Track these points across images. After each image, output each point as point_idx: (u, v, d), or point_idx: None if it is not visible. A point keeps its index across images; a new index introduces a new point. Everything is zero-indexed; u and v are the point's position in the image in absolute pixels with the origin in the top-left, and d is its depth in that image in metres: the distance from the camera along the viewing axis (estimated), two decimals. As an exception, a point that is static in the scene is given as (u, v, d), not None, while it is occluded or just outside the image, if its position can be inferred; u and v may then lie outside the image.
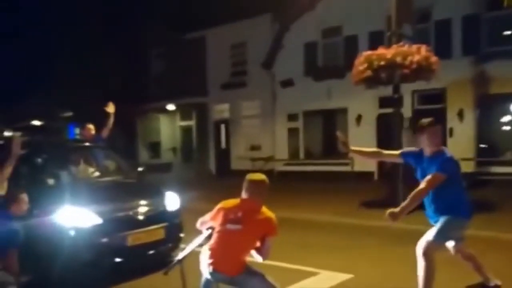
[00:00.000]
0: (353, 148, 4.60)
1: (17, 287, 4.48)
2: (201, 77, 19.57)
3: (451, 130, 13.53)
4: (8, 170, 4.91)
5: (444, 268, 4.14)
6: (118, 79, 20.24)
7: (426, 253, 3.98)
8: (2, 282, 4.38)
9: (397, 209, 3.90)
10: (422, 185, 4.02)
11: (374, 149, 5.00)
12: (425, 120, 4.22)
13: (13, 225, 4.57)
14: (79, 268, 5.05)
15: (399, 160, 4.63)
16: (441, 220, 4.10)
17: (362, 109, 15.27)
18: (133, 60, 20.87)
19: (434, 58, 9.10)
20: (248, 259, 3.69)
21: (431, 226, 4.24)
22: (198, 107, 19.89)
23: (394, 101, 9.63)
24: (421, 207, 4.23)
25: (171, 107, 20.10)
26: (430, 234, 4.08)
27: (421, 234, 4.25)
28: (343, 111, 15.91)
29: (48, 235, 5.08)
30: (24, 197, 4.77)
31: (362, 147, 4.86)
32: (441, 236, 4.07)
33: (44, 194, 5.44)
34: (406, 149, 4.58)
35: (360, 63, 9.26)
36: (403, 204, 3.97)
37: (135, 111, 20.89)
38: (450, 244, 4.29)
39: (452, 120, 13.60)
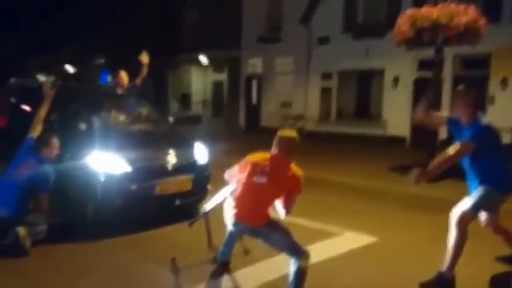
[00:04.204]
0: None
1: (47, 228, 4.62)
2: (235, 30, 19.20)
3: (492, 98, 12.96)
4: (43, 111, 5.03)
5: (473, 239, 4.02)
6: (151, 29, 20.09)
7: (460, 223, 3.86)
8: (33, 223, 4.53)
9: (420, 173, 3.80)
10: (450, 151, 3.88)
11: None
12: (459, 88, 4.10)
13: (44, 168, 4.67)
14: (106, 213, 5.15)
15: (443, 124, 4.46)
16: (478, 190, 3.95)
17: (399, 71, 14.74)
18: (167, 9, 20.60)
19: (482, 21, 8.58)
20: (272, 215, 3.67)
21: (460, 195, 4.09)
22: (231, 60, 19.65)
23: (435, 65, 9.21)
24: (451, 175, 4.08)
25: (203, 59, 19.93)
26: (465, 204, 3.95)
27: (449, 202, 4.12)
28: (380, 72, 15.41)
29: (78, 180, 5.17)
30: (56, 141, 4.85)
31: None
32: (476, 206, 3.93)
33: (75, 139, 5.49)
34: (452, 115, 4.33)
35: (403, 23, 8.83)
36: (428, 169, 3.88)
37: (167, 62, 20.85)
38: (482, 216, 4.14)
39: (494, 88, 13.01)
